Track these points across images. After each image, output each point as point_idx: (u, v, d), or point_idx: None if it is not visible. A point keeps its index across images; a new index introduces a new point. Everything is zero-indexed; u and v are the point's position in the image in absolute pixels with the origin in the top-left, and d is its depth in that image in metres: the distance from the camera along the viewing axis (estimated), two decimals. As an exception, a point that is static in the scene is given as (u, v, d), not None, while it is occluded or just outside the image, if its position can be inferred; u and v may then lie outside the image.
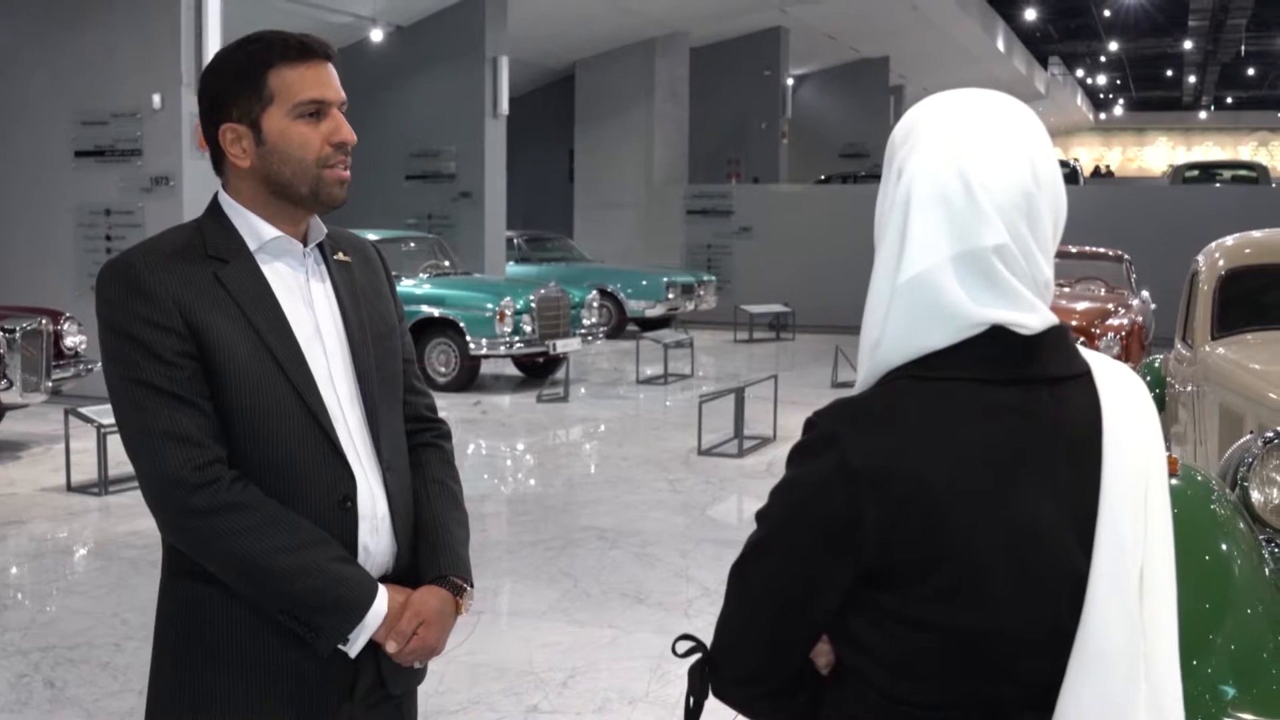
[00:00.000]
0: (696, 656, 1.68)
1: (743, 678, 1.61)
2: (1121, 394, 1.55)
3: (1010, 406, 1.47)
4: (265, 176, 2.12)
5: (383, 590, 2.12)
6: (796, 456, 1.53)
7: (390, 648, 2.11)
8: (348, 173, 2.16)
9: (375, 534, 2.17)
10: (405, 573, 2.21)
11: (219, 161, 2.17)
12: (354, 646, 2.09)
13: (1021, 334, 1.47)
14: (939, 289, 1.46)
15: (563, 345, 13.43)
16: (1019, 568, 1.46)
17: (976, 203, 1.46)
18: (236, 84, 2.10)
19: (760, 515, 1.57)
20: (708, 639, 1.67)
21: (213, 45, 11.55)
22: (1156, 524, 1.52)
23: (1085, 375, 1.54)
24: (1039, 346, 1.49)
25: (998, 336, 1.47)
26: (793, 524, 1.51)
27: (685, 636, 1.71)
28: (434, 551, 2.24)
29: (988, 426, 1.46)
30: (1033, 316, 1.48)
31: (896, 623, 1.48)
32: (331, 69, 2.14)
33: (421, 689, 2.38)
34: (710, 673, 1.65)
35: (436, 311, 13.00)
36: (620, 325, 18.61)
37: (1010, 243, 1.46)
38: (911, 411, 1.46)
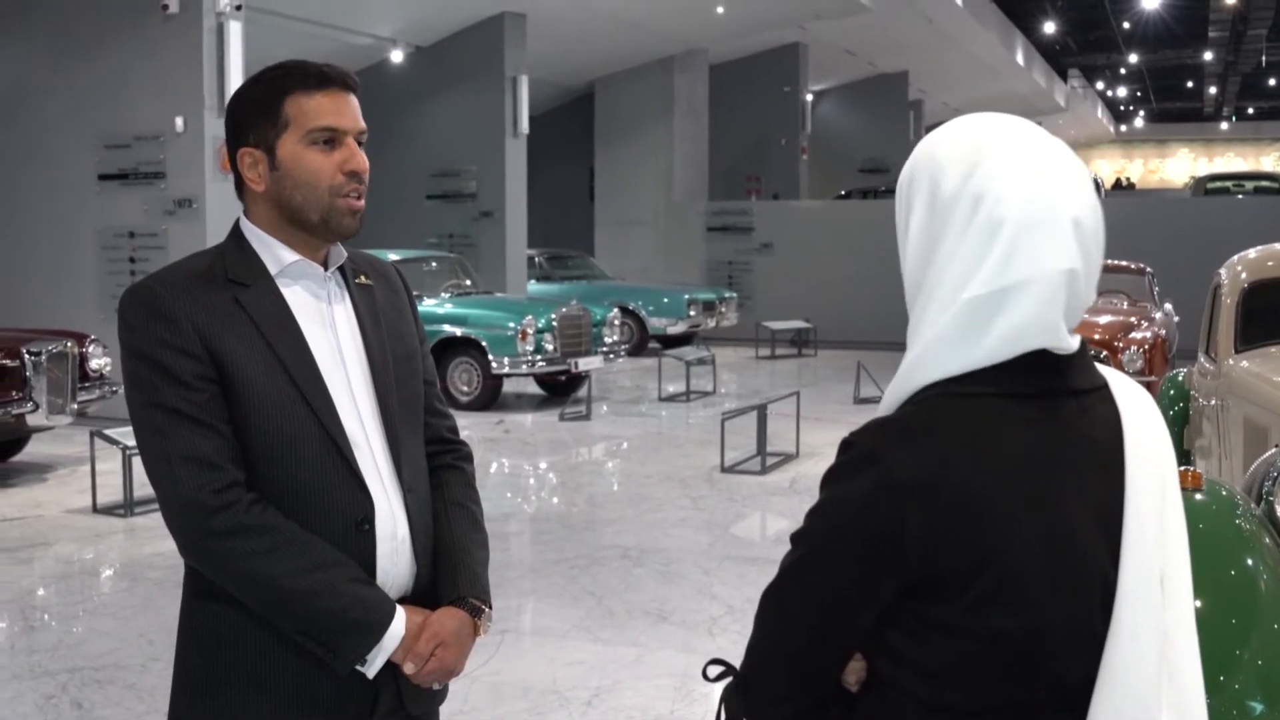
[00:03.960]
0: (728, 680, 1.68)
1: (779, 697, 1.61)
2: (1136, 407, 1.61)
3: (1041, 417, 1.52)
4: (278, 201, 2.15)
5: (400, 611, 2.13)
6: (835, 476, 1.54)
7: (408, 669, 2.12)
8: (361, 203, 2.18)
9: (395, 555, 2.18)
10: (425, 594, 2.22)
11: (238, 185, 2.20)
12: (372, 667, 2.10)
13: (1058, 354, 1.53)
14: (1009, 309, 1.49)
15: (585, 363, 13.43)
16: (1056, 571, 1.51)
17: (1061, 228, 1.50)
18: (255, 110, 2.14)
19: (797, 536, 1.58)
20: (731, 657, 1.67)
21: (234, 68, 11.61)
22: (1173, 531, 1.60)
23: (1104, 388, 1.60)
24: (1068, 361, 1.55)
25: (1035, 354, 1.51)
26: (835, 542, 1.52)
27: (715, 661, 1.71)
28: (453, 573, 2.25)
29: (1023, 437, 1.51)
30: (1074, 339, 1.55)
31: (939, 632, 1.50)
32: (352, 99, 2.17)
33: (445, 708, 2.38)
34: (743, 695, 1.65)
35: (459, 331, 13.03)
36: (642, 343, 18.61)
37: (1080, 268, 1.51)
38: (951, 426, 1.50)
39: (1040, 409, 1.52)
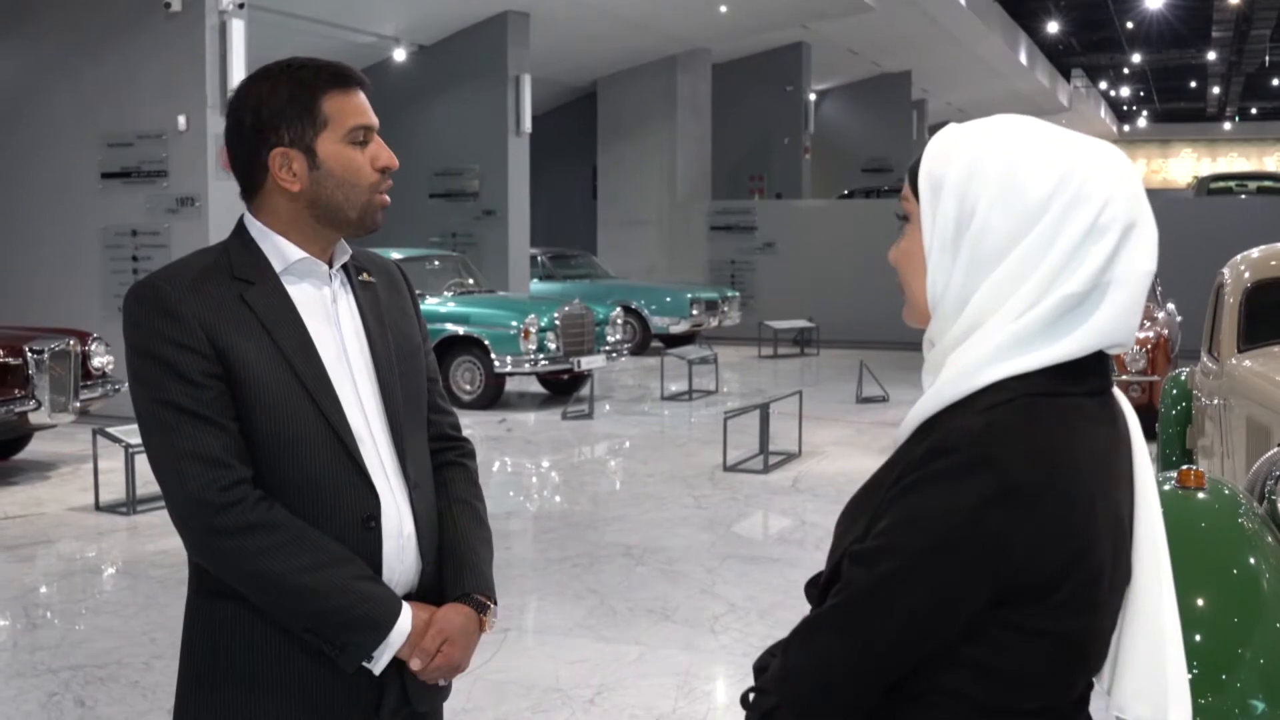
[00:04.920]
0: (771, 705, 1.60)
1: (832, 714, 1.56)
2: (1126, 403, 1.67)
3: (1102, 415, 1.57)
4: (315, 200, 2.15)
5: (407, 608, 2.13)
6: (932, 483, 1.48)
7: (414, 665, 2.12)
8: (388, 199, 2.21)
9: (401, 553, 2.18)
10: (430, 591, 2.23)
11: (252, 185, 2.18)
12: (378, 664, 2.11)
13: (1107, 353, 1.57)
14: (1104, 305, 1.52)
15: (587, 362, 13.44)
16: (1115, 566, 1.55)
17: (1151, 230, 1.56)
18: (289, 109, 2.12)
19: (876, 551, 1.51)
20: (734, 654, 1.65)
21: (237, 67, 11.63)
22: (1159, 515, 1.64)
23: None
24: (1109, 360, 1.60)
25: (1093, 353, 1.55)
26: (939, 553, 1.47)
27: (755, 689, 1.64)
28: (458, 570, 2.25)
29: (1098, 435, 1.54)
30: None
31: (1016, 635, 1.49)
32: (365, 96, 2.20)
33: (448, 706, 2.39)
34: (792, 716, 1.58)
35: (461, 329, 13.04)
36: (644, 342, 18.62)
37: (1154, 269, 1.57)
38: (1051, 427, 1.50)
39: (1102, 406, 1.57)
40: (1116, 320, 1.52)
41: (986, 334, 1.54)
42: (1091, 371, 1.55)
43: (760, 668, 1.65)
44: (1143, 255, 1.54)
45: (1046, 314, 1.51)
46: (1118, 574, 1.56)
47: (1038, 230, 1.52)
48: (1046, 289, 1.51)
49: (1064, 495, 1.47)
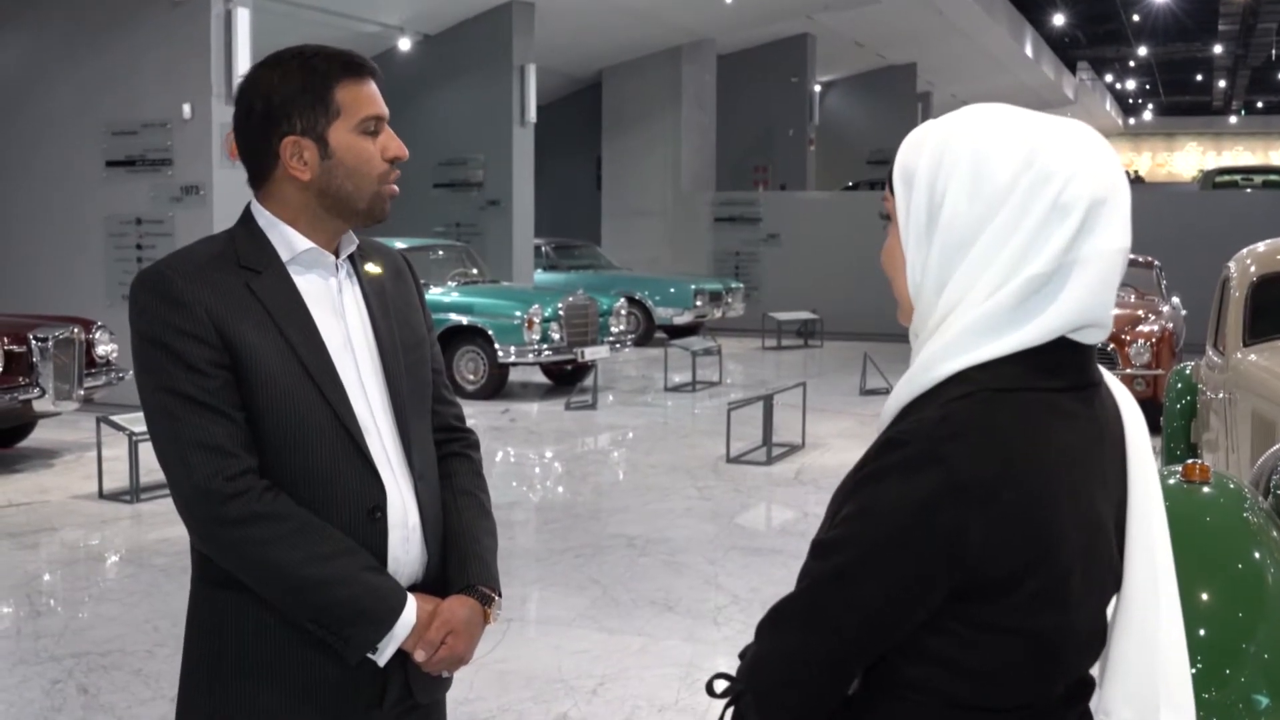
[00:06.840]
0: (737, 692, 1.62)
1: (799, 708, 1.56)
2: (1126, 399, 1.65)
3: (1076, 411, 1.53)
4: (325, 189, 2.14)
5: (411, 600, 2.13)
6: (886, 476, 1.48)
7: (419, 657, 2.12)
8: (396, 189, 2.20)
9: (406, 543, 2.18)
10: (435, 582, 2.22)
11: (261, 173, 2.17)
12: (382, 655, 2.10)
13: (1083, 343, 1.54)
14: (1072, 284, 1.50)
15: (591, 353, 13.44)
16: (1089, 564, 1.52)
17: (1121, 206, 1.53)
18: (303, 98, 2.11)
19: (834, 542, 1.52)
20: (736, 646, 1.64)
21: (242, 55, 11.61)
22: (1160, 521, 1.62)
23: (1103, 380, 1.62)
24: (1089, 353, 1.56)
25: (1062, 345, 1.52)
26: (891, 547, 1.47)
27: (721, 675, 1.66)
28: (463, 561, 2.25)
29: (1067, 432, 1.51)
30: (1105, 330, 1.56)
31: (983, 632, 1.48)
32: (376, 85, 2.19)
33: (451, 696, 2.39)
34: (756, 708, 1.59)
35: (465, 320, 13.04)
36: (648, 333, 18.62)
37: (1129, 245, 1.55)
38: (1008, 424, 1.47)
39: (1077, 402, 1.53)
40: (1084, 300, 1.50)
41: (955, 319, 1.52)
42: (1068, 366, 1.53)
43: (744, 655, 1.65)
44: (1113, 233, 1.51)
45: (1012, 296, 1.49)
46: (1094, 573, 1.53)
47: (1005, 212, 1.51)
48: (1012, 271, 1.49)
49: (1021, 492, 1.44)
